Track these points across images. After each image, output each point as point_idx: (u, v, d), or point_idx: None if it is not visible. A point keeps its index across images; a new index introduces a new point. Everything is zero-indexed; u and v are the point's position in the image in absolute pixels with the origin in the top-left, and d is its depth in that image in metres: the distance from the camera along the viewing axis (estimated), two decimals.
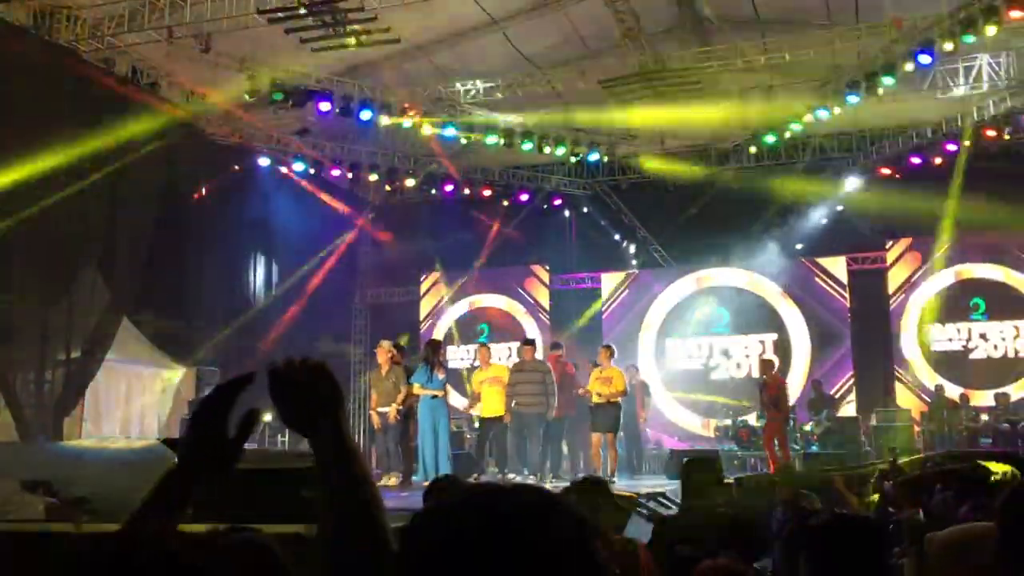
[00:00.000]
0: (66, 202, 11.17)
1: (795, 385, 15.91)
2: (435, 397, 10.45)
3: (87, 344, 11.61)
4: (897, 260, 15.99)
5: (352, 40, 11.56)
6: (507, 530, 0.90)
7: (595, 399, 11.24)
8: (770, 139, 14.81)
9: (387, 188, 16.73)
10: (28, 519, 5.36)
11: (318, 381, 1.36)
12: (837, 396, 15.36)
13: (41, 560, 4.44)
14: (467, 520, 0.92)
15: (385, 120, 13.72)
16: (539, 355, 12.41)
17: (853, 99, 12.89)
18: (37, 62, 10.88)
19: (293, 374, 1.37)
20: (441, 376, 10.62)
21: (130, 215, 12.19)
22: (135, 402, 12.74)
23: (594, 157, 15.88)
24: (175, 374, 13.36)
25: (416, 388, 10.52)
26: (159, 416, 13.08)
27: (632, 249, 17.90)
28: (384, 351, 10.71)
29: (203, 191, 13.78)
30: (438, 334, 17.80)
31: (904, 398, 15.26)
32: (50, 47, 11.34)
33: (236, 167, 14.68)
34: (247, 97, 12.75)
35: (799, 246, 16.52)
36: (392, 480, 10.22)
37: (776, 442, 12.12)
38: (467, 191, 16.96)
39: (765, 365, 13.19)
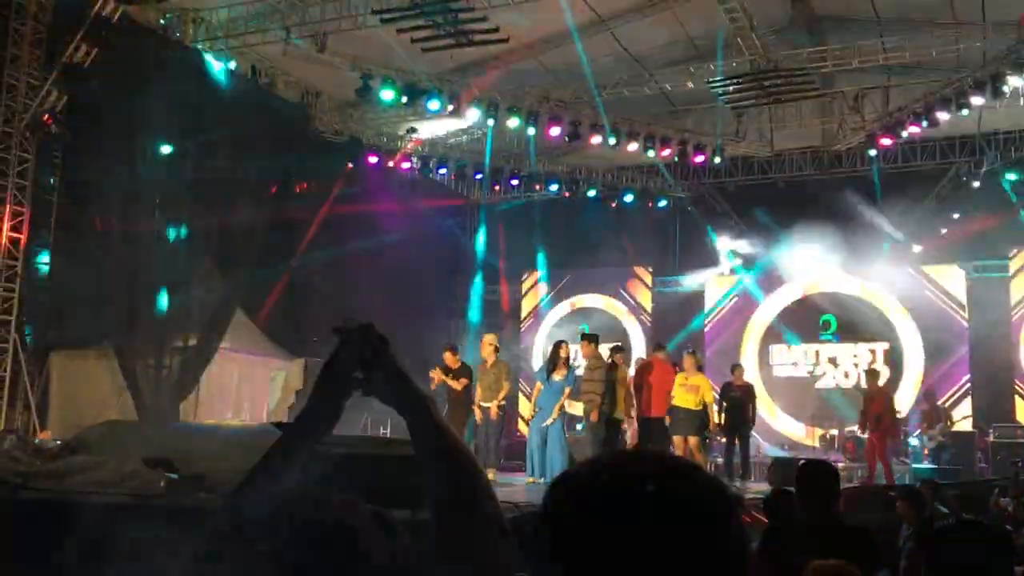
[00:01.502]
0: (186, 196, 11.69)
1: (906, 396, 15.36)
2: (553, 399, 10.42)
3: (203, 333, 12.11)
4: (1021, 269, 15.25)
5: (462, 40, 11.72)
6: (650, 491, 0.90)
7: (677, 402, 11.08)
8: (886, 141, 14.26)
9: (492, 187, 16.88)
10: (150, 492, 5.63)
11: (365, 342, 1.42)
12: (949, 408, 14.74)
13: (162, 532, 4.66)
14: (612, 480, 0.93)
15: (491, 120, 13.84)
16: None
17: (977, 100, 12.35)
18: (165, 61, 11.39)
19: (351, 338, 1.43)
20: (559, 377, 10.53)
21: (246, 209, 12.65)
22: (246, 389, 13.21)
23: (700, 158, 15.64)
24: (285, 364, 13.79)
25: (536, 386, 10.63)
26: (268, 403, 13.53)
27: (737, 252, 17.55)
28: (488, 345, 10.78)
29: (313, 187, 14.18)
30: (540, 334, 17.88)
31: None
32: (177, 46, 11.86)
33: (348, 164, 15.03)
34: (358, 95, 13.06)
35: (916, 249, 15.90)
36: (490, 475, 10.30)
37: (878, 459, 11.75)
38: (570, 191, 16.96)
39: (871, 376, 12.76)
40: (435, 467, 1.34)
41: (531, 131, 14.26)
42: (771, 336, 16.57)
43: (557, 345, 10.91)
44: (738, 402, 11.96)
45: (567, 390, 10.43)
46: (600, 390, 10.50)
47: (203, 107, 11.82)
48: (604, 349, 11.53)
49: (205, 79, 12.05)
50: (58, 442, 7.72)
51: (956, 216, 15.45)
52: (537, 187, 16.84)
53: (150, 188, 11.60)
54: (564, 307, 18.04)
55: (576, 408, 11.70)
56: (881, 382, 13.08)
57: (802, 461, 7.91)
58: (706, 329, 16.88)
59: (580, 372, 11.22)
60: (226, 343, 12.47)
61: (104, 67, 10.86)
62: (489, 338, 11.03)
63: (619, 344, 12.98)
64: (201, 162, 11.74)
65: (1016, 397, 14.76)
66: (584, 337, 11.36)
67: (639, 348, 16.83)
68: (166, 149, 11.58)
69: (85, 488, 5.71)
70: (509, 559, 1.25)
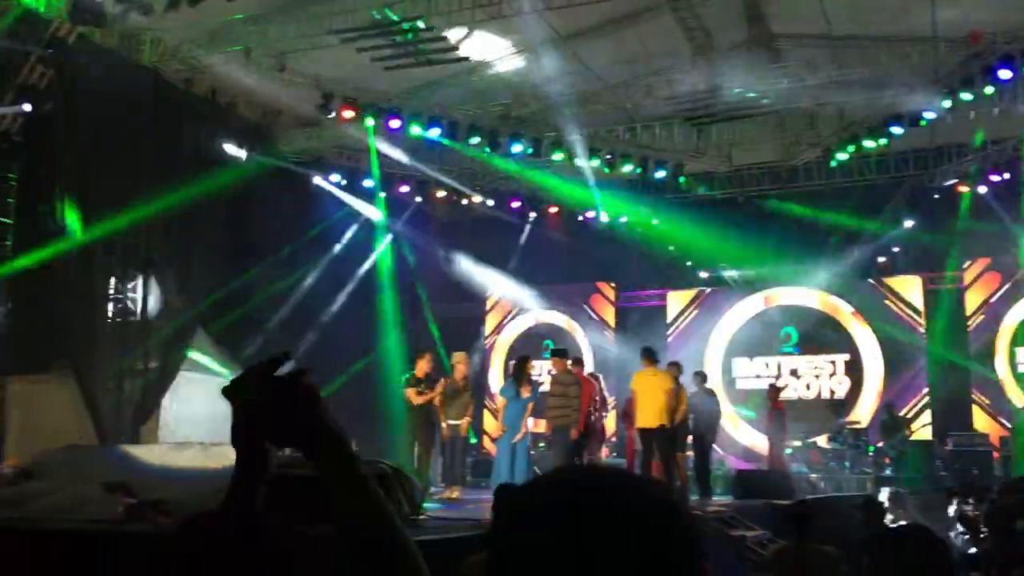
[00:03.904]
0: (145, 216, 11.58)
1: (867, 407, 15.59)
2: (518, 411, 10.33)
3: (163, 354, 11.97)
4: (975, 280, 15.56)
5: (422, 59, 11.77)
6: (600, 501, 0.90)
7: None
8: (842, 156, 14.51)
9: (455, 204, 16.90)
10: (109, 519, 5.54)
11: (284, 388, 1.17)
12: (909, 418, 14.97)
13: (120, 558, 4.59)
14: (562, 492, 0.92)
15: (451, 138, 13.88)
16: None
17: (929, 115, 12.62)
18: (124, 82, 11.30)
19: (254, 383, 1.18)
20: (526, 394, 10.46)
21: (205, 229, 12.56)
22: (209, 410, 13.05)
23: (661, 174, 15.77)
24: None
25: (500, 402, 10.54)
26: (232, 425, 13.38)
27: (700, 267, 17.72)
28: (460, 363, 10.75)
29: (273, 204, 14.09)
30: (500, 349, 17.90)
31: (982, 422, 14.79)
32: (136, 68, 11.78)
33: (308, 183, 14.99)
34: (320, 114, 13.05)
35: (880, 260, 16.18)
36: (455, 493, 10.28)
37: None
38: (533, 208, 17.04)
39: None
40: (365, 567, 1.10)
41: (490, 149, 14.31)
42: (734, 348, 16.73)
43: (524, 360, 10.80)
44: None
45: (530, 406, 10.37)
46: (576, 406, 10.43)
47: (163, 124, 11.76)
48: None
49: (161, 98, 11.99)
50: (13, 468, 7.58)
51: (911, 228, 15.74)
52: (500, 205, 16.88)
53: (108, 209, 11.47)
54: (527, 320, 18.08)
55: (539, 426, 11.66)
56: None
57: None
58: (668, 341, 16.98)
59: (545, 388, 11.19)
60: (188, 364, 12.33)
61: (60, 88, 10.75)
62: (460, 356, 11.00)
63: (578, 357, 12.94)
64: (159, 180, 11.64)
65: (974, 406, 15.02)
66: (554, 353, 11.28)
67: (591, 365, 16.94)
68: (124, 168, 11.46)
69: (43, 514, 5.61)
70: None
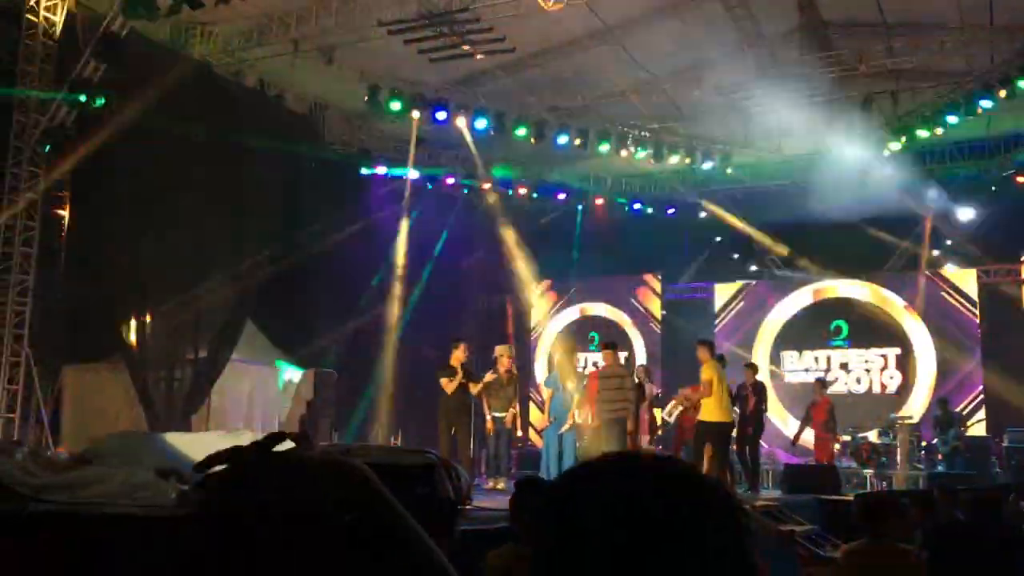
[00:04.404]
0: (195, 208, 11.75)
1: (919, 402, 15.29)
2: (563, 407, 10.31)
3: (214, 344, 12.14)
4: None
5: (468, 50, 11.77)
6: (653, 495, 0.87)
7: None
8: (895, 146, 14.21)
9: (503, 195, 16.90)
10: (161, 504, 5.63)
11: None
12: (964, 414, 14.66)
13: (173, 542, 4.66)
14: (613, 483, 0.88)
15: (499, 130, 13.87)
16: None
17: (986, 103, 12.31)
18: (174, 76, 11.45)
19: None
20: (571, 385, 10.44)
21: (254, 221, 12.70)
22: (257, 400, 13.22)
23: (708, 165, 15.61)
24: (295, 375, 13.81)
25: (546, 394, 10.53)
26: (279, 414, 13.54)
27: (747, 259, 17.53)
28: (503, 356, 10.76)
29: (321, 197, 14.20)
30: (546, 341, 17.87)
31: None
32: (186, 61, 11.93)
33: (356, 174, 15.07)
34: (367, 106, 13.11)
35: (934, 254, 15.86)
36: (500, 484, 10.30)
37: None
38: (579, 200, 16.98)
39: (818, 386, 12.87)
40: None
41: (537, 139, 14.26)
42: (782, 341, 16.52)
43: (569, 351, 10.89)
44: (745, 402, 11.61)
45: (576, 398, 10.35)
46: (632, 398, 10.39)
47: (212, 117, 11.90)
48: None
49: (215, 92, 12.13)
50: (68, 455, 7.74)
51: (968, 220, 15.41)
52: (546, 196, 16.84)
53: (159, 198, 11.66)
54: (572, 314, 18.03)
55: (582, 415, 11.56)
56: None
57: None
58: (717, 335, 16.78)
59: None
60: (237, 354, 12.50)
61: (114, 82, 10.92)
62: (503, 348, 11.01)
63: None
64: (211, 170, 11.79)
65: None
66: (605, 345, 11.22)
67: (642, 356, 16.87)
68: (174, 161, 11.62)
69: (97, 499, 5.72)
70: None
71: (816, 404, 12.85)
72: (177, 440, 7.96)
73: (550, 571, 0.88)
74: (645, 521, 0.84)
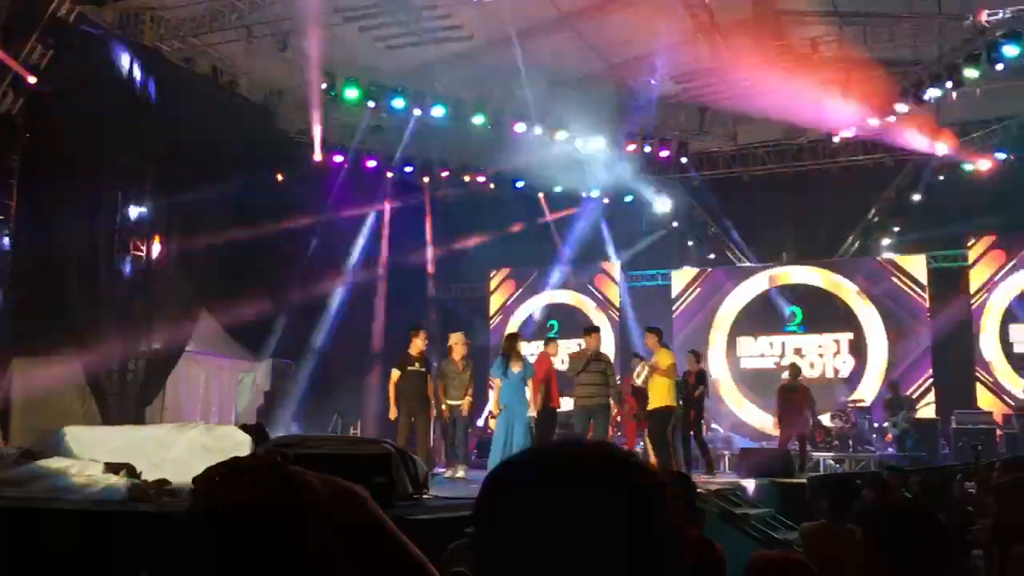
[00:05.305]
0: (148, 195, 11.56)
1: (871, 385, 15.59)
2: (512, 390, 10.26)
3: (168, 336, 11.97)
4: (980, 258, 15.50)
5: (425, 37, 11.72)
6: (581, 476, 0.88)
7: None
8: (848, 133, 14.44)
9: (460, 184, 16.87)
10: (112, 499, 5.57)
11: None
12: (914, 396, 14.97)
13: (123, 537, 4.61)
14: (541, 468, 0.91)
15: (454, 119, 13.83)
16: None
17: (934, 92, 12.54)
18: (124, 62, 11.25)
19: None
20: (517, 370, 10.37)
21: (210, 210, 12.53)
22: (213, 392, 13.10)
23: (665, 153, 15.72)
24: (252, 366, 13.70)
25: (496, 383, 10.49)
26: (237, 406, 13.43)
27: (704, 246, 17.71)
28: (458, 344, 10.72)
29: (277, 186, 14.06)
30: (508, 329, 17.86)
31: (986, 400, 14.78)
32: (135, 48, 11.72)
33: (311, 163, 14.93)
34: (322, 94, 12.98)
35: (883, 242, 16.16)
36: (460, 472, 10.30)
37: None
38: (538, 188, 17.00)
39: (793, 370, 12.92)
40: None
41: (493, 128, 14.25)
42: (738, 328, 16.71)
43: (513, 337, 10.80)
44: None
45: (530, 381, 10.29)
46: (614, 383, 10.37)
47: (163, 106, 11.71)
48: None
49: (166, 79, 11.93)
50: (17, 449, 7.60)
51: (916, 205, 15.70)
52: (503, 186, 16.84)
53: (111, 188, 11.46)
54: (532, 304, 18.07)
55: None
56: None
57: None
58: (674, 322, 16.93)
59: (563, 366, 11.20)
60: (192, 346, 12.35)
61: (61, 67, 10.70)
62: (457, 336, 10.95)
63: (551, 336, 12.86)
64: (162, 161, 11.62)
65: (977, 384, 15.00)
66: (587, 331, 10.94)
67: (608, 343, 16.91)
68: (126, 149, 11.43)
69: (46, 495, 5.64)
70: None
71: (798, 390, 12.71)
72: (130, 434, 7.87)
73: (479, 560, 0.91)
74: (559, 510, 0.85)
